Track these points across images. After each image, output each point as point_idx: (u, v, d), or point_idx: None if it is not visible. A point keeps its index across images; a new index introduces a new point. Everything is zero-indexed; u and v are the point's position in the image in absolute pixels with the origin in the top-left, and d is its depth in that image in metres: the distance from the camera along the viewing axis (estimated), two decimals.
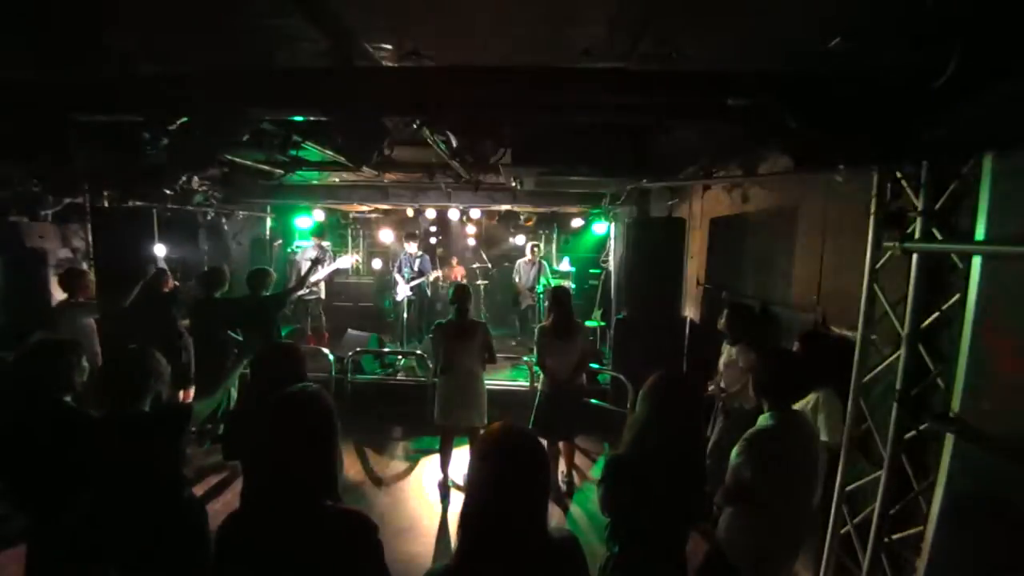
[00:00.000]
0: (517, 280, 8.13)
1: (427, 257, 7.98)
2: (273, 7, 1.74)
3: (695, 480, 2.01)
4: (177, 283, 5.14)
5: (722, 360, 3.73)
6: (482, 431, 1.29)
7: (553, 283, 7.49)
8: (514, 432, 1.26)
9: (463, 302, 3.96)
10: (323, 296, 7.89)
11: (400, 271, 7.74)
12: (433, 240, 10.01)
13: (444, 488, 4.15)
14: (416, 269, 7.71)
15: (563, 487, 4.22)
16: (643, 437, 1.95)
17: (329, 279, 8.09)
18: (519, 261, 8.23)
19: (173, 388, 4.57)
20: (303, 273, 5.59)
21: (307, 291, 7.41)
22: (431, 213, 8.62)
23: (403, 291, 7.62)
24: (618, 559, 1.99)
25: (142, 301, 4.55)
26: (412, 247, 7.79)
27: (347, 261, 8.10)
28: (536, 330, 4.08)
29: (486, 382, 4.20)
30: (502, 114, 3.48)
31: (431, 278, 7.87)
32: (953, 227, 2.33)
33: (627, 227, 5.80)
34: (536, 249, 8.07)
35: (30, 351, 2.19)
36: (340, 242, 10.12)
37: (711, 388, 3.77)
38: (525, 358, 6.79)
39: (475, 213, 8.43)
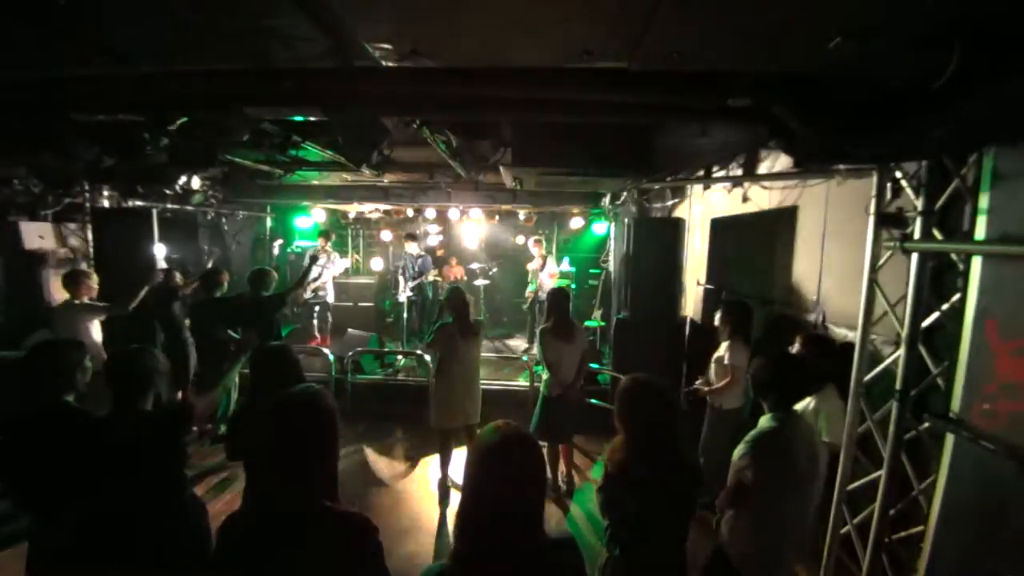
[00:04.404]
0: (537, 284, 7.71)
1: (428, 258, 7.99)
2: (273, 7, 1.74)
3: (688, 479, 2.01)
4: (179, 281, 5.14)
5: (714, 355, 3.75)
6: (479, 431, 1.29)
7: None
8: (511, 431, 1.26)
9: (461, 308, 3.96)
10: (331, 300, 7.87)
11: (403, 272, 7.76)
12: (433, 240, 10.01)
13: (444, 488, 4.15)
14: (417, 269, 7.73)
15: (563, 487, 4.22)
16: (628, 448, 1.96)
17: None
18: (530, 266, 7.93)
19: (172, 388, 4.58)
20: (301, 274, 5.60)
21: (312, 295, 7.43)
22: (431, 213, 8.62)
23: (407, 291, 7.64)
24: (618, 562, 1.99)
25: (146, 301, 4.56)
26: (413, 248, 7.81)
27: (342, 266, 8.10)
28: (538, 332, 4.08)
29: (485, 382, 4.20)
30: (502, 114, 3.48)
31: (429, 278, 7.86)
32: (953, 227, 2.33)
33: (627, 227, 5.80)
34: (540, 243, 7.80)
35: (33, 351, 2.19)
36: (340, 242, 10.14)
37: (698, 382, 3.78)
38: (524, 358, 6.79)
39: (475, 213, 8.42)
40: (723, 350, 3.62)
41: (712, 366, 3.72)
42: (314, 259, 6.55)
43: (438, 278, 8.30)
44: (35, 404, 2.09)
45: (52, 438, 1.99)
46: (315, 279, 7.21)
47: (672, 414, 2.01)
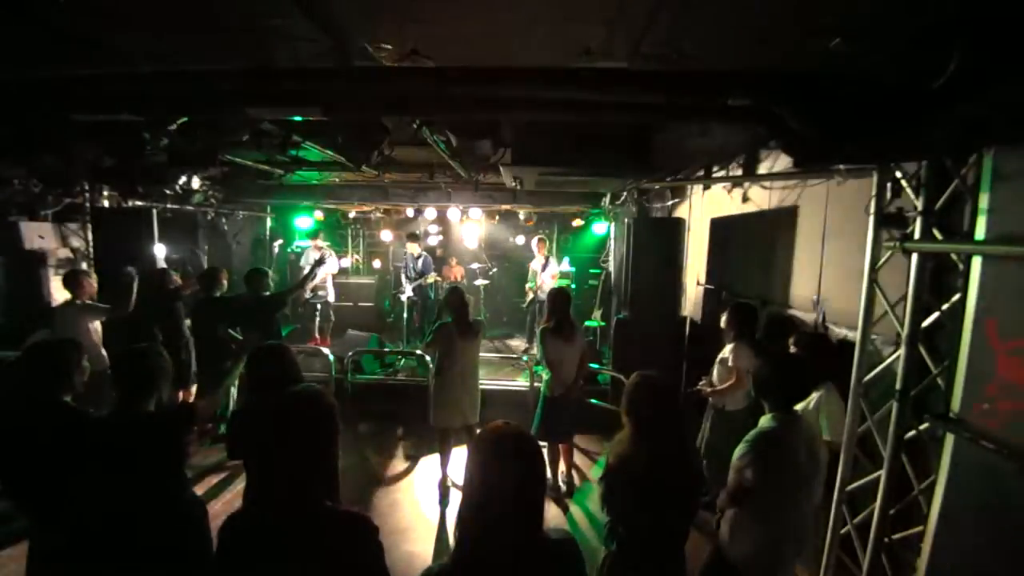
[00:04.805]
0: (537, 284, 7.66)
1: (428, 258, 7.99)
2: (273, 7, 1.74)
3: (691, 478, 2.01)
4: (179, 282, 5.14)
5: (718, 357, 3.74)
6: (478, 430, 1.29)
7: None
8: (510, 431, 1.26)
9: (460, 307, 3.96)
10: (331, 299, 7.88)
11: (405, 271, 7.78)
12: (433, 240, 10.01)
13: (444, 488, 4.15)
14: (418, 270, 7.73)
15: (563, 487, 4.22)
16: (633, 443, 1.97)
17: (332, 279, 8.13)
18: (532, 265, 7.92)
19: (172, 388, 4.58)
20: (304, 275, 5.59)
21: (311, 295, 7.42)
22: (431, 213, 8.62)
23: (408, 291, 7.65)
24: (616, 557, 2.00)
25: (148, 300, 4.56)
26: (414, 248, 7.81)
27: (334, 264, 8.08)
28: (538, 332, 4.08)
29: (485, 382, 4.20)
30: (502, 114, 3.48)
31: (429, 280, 7.87)
32: (953, 227, 2.33)
33: (627, 227, 5.80)
34: (543, 243, 7.82)
35: (30, 351, 2.19)
36: (340, 242, 10.13)
37: (701, 383, 3.77)
38: (524, 358, 6.79)
39: (475, 213, 8.42)
40: (728, 352, 3.61)
41: (716, 367, 3.71)
42: (320, 262, 6.55)
43: (438, 278, 8.31)
44: (32, 404, 2.09)
45: (49, 439, 1.99)
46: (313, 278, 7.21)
47: (680, 414, 2.02)
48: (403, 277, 7.83)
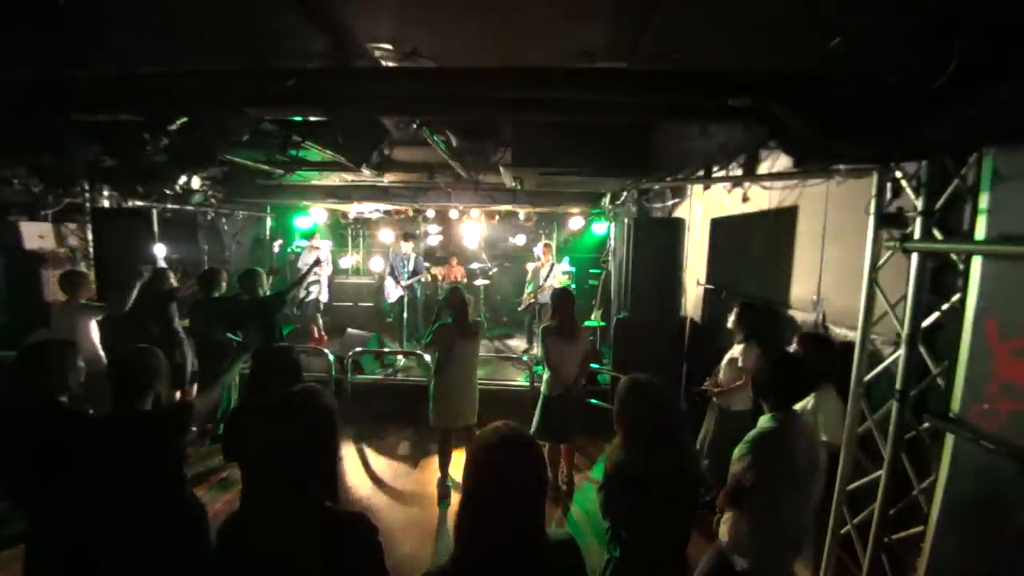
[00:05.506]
0: (536, 285, 7.59)
1: (420, 259, 8.02)
2: (273, 7, 1.75)
3: (690, 480, 2.01)
4: (175, 283, 5.13)
5: (726, 357, 3.72)
6: (478, 431, 1.29)
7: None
8: (510, 432, 1.26)
9: (460, 308, 3.96)
10: (322, 300, 7.90)
11: (393, 273, 7.76)
12: (433, 240, 10.02)
13: (444, 488, 4.16)
14: (411, 269, 7.74)
15: (563, 487, 4.22)
16: (629, 448, 1.96)
17: (330, 280, 8.14)
18: (530, 266, 7.89)
19: (170, 388, 4.57)
20: (300, 274, 5.59)
21: (306, 293, 7.44)
22: (431, 213, 8.63)
23: (394, 292, 7.64)
24: (618, 562, 1.99)
25: (141, 301, 4.55)
26: (408, 247, 7.82)
27: (324, 256, 8.12)
28: (540, 331, 4.08)
29: (485, 382, 4.20)
30: (502, 114, 3.48)
31: (426, 277, 7.88)
32: (953, 227, 2.33)
33: (627, 227, 5.80)
34: (548, 248, 7.81)
35: (25, 352, 2.19)
36: (340, 242, 10.13)
37: (707, 383, 3.77)
38: (524, 358, 6.79)
39: (475, 213, 8.42)
40: (737, 352, 3.60)
41: (724, 367, 3.70)
42: (317, 262, 6.55)
43: (432, 275, 8.32)
44: (28, 405, 2.08)
45: (44, 439, 1.98)
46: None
47: (672, 414, 2.01)
48: (389, 277, 7.80)
